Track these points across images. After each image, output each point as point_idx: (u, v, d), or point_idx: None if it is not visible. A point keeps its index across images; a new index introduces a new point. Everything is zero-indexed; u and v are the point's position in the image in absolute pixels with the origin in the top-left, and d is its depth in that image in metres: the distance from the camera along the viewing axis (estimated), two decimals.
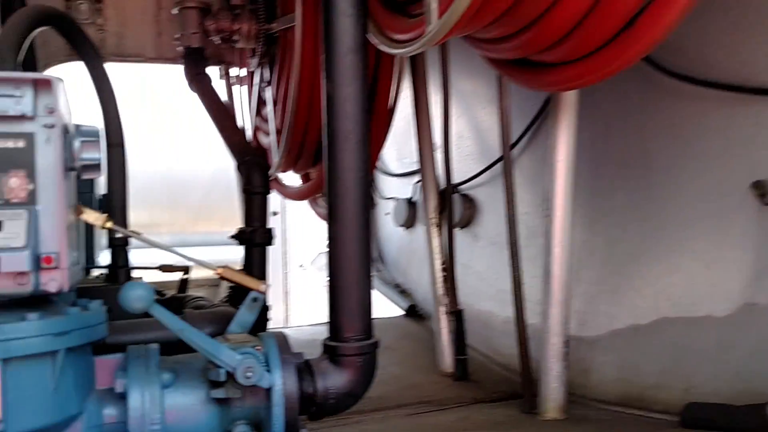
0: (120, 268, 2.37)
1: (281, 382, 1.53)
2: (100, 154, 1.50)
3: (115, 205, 2.39)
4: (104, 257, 4.07)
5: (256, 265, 2.96)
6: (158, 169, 6.05)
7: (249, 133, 3.99)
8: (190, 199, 6.08)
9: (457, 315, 3.04)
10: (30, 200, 1.31)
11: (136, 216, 6.23)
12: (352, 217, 1.68)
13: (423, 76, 3.17)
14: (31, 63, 2.65)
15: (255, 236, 2.92)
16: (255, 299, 1.82)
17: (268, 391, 1.53)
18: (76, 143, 1.47)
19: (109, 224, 1.76)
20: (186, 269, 3.40)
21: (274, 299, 6.19)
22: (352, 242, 1.67)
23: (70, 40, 2.24)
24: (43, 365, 1.31)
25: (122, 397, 1.44)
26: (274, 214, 6.01)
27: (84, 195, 3.04)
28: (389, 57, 2.88)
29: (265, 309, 2.94)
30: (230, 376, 1.47)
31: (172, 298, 2.97)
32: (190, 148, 5.93)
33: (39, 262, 1.29)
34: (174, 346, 1.88)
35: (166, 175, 6.08)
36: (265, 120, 3.70)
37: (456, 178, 3.34)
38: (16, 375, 1.26)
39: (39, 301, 1.39)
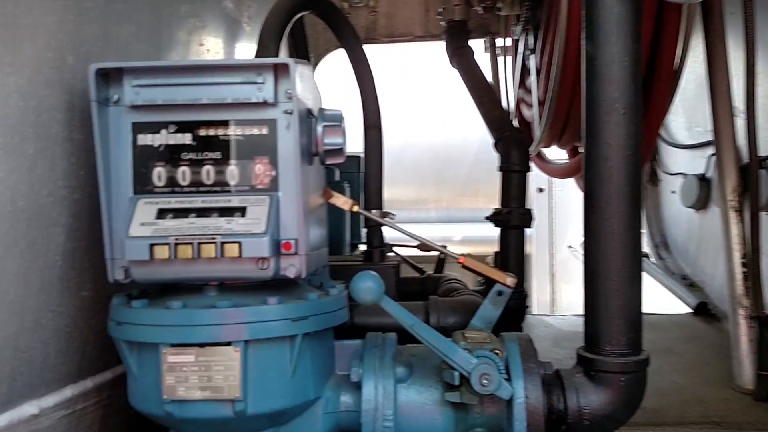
0: (375, 248, 2.42)
1: (523, 394, 1.37)
2: (342, 138, 1.49)
3: (371, 187, 2.44)
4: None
5: (512, 248, 2.80)
6: (426, 145, 6.23)
7: (512, 106, 3.83)
8: (456, 175, 6.14)
9: (761, 321, 2.50)
10: (272, 186, 1.34)
11: (405, 192, 6.56)
12: (615, 207, 1.41)
13: (719, 27, 2.63)
14: (303, 49, 2.84)
15: (511, 218, 2.77)
16: (500, 293, 1.68)
17: (510, 401, 1.39)
18: (319, 128, 1.48)
19: (355, 208, 1.77)
20: (444, 249, 3.40)
21: (539, 282, 5.98)
22: (614, 237, 1.41)
23: (330, 24, 2.31)
24: (281, 349, 1.34)
25: (358, 387, 1.43)
26: (540, 190, 5.76)
27: (351, 174, 3.21)
28: (675, 7, 2.44)
29: (522, 297, 2.79)
30: (466, 380, 1.36)
31: (427, 278, 2.98)
32: (456, 123, 5.96)
33: (279, 248, 1.31)
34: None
35: (434, 151, 6.23)
36: (529, 91, 3.49)
37: (763, 150, 2.74)
38: (255, 357, 1.31)
39: (285, 283, 1.43)
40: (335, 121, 1.48)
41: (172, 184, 1.35)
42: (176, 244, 1.26)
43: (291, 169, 1.33)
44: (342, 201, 1.75)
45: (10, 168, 1.21)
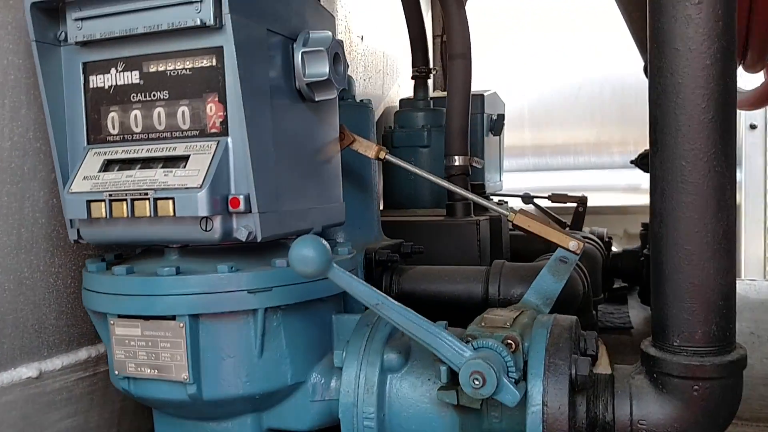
0: (457, 200, 2.12)
1: (541, 400, 1.06)
2: (327, 68, 1.25)
3: (453, 126, 2.13)
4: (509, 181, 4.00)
5: None
6: (607, 79, 5.55)
7: None
8: (645, 112, 5.37)
9: None
10: (223, 130, 1.16)
11: (582, 134, 5.95)
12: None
13: None
14: None
15: None
16: (563, 260, 1.36)
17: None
18: (298, 56, 1.26)
19: (383, 155, 1.54)
20: (583, 201, 3.00)
21: (749, 238, 5.05)
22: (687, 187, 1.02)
23: None
24: (242, 325, 1.17)
25: None
26: (752, 127, 4.81)
27: (473, 116, 2.90)
28: None
29: None
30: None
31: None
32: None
33: (226, 205, 1.14)
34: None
35: (617, 86, 5.52)
36: None
37: None
38: (207, 334, 1.16)
39: (267, 246, 1.26)
40: (319, 45, 1.25)
41: (124, 131, 1.23)
42: (110, 201, 1.15)
43: (239, 107, 1.13)
44: (365, 146, 1.53)
45: None
